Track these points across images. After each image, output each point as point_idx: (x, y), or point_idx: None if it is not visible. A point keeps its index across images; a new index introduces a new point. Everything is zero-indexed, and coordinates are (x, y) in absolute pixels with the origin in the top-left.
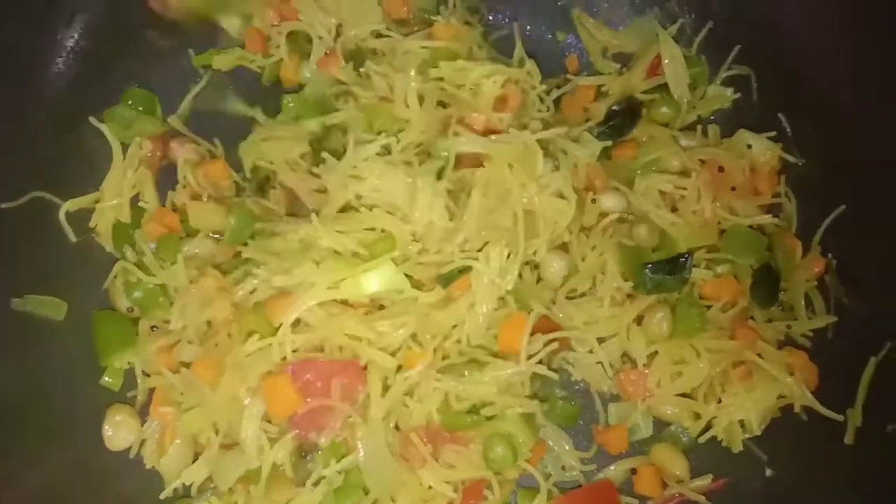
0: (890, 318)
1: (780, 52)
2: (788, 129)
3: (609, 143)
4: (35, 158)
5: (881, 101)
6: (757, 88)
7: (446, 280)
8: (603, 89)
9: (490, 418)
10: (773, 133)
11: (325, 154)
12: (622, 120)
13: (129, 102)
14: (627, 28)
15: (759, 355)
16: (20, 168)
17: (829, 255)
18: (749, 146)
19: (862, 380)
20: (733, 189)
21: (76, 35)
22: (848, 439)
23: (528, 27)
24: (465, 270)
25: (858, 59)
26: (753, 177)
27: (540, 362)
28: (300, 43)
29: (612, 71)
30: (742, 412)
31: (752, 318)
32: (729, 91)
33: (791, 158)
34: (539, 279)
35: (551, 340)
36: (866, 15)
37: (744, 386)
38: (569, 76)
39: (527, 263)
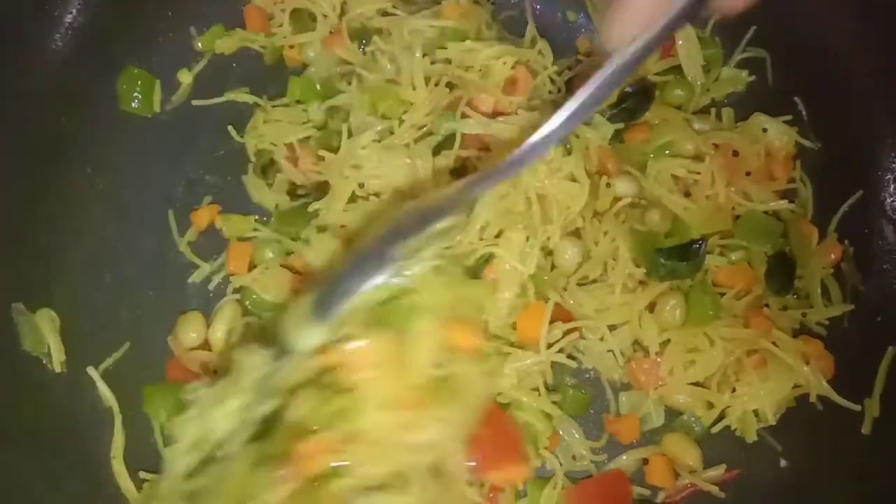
0: None
1: (795, 35)
2: (804, 113)
3: (621, 125)
4: (32, 135)
5: None
6: (772, 71)
7: (474, 272)
8: None
9: (507, 405)
10: (788, 117)
11: (321, 151)
12: (635, 102)
13: (125, 87)
14: None
15: (773, 344)
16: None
17: (846, 242)
18: (764, 130)
19: (880, 369)
20: (748, 174)
21: (74, 11)
22: (865, 429)
23: (538, 6)
24: (489, 259)
25: (876, 43)
26: (768, 161)
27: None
28: (304, 21)
29: None
30: (756, 401)
31: (766, 305)
32: (744, 73)
33: (807, 143)
34: (553, 266)
35: (570, 330)
36: None
37: (758, 375)
38: (580, 57)
39: (541, 249)
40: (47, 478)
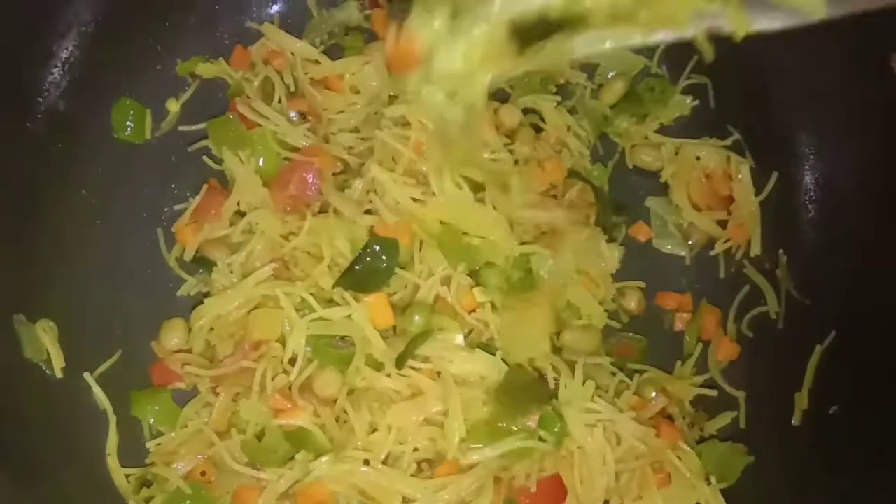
0: (834, 310)
1: (731, 63)
2: (740, 137)
3: None
4: (31, 160)
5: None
6: (714, 95)
7: None
8: None
9: None
10: (731, 140)
11: None
12: None
13: (118, 116)
14: None
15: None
16: (17, 169)
17: (780, 251)
18: (697, 158)
19: (809, 365)
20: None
21: (70, 47)
22: (795, 420)
23: None
24: None
25: (800, 69)
26: (710, 182)
27: None
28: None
29: (580, 80)
30: None
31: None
32: (688, 99)
33: (742, 160)
34: None
35: None
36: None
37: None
38: None
39: None
40: (48, 473)
